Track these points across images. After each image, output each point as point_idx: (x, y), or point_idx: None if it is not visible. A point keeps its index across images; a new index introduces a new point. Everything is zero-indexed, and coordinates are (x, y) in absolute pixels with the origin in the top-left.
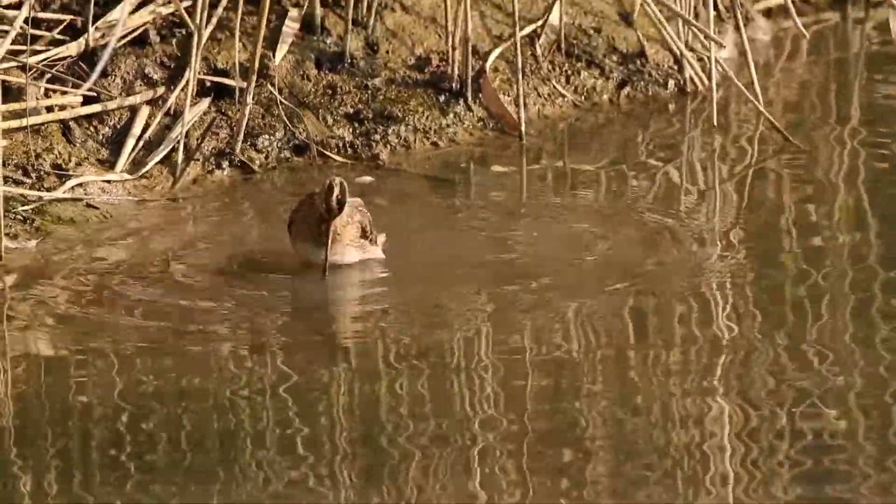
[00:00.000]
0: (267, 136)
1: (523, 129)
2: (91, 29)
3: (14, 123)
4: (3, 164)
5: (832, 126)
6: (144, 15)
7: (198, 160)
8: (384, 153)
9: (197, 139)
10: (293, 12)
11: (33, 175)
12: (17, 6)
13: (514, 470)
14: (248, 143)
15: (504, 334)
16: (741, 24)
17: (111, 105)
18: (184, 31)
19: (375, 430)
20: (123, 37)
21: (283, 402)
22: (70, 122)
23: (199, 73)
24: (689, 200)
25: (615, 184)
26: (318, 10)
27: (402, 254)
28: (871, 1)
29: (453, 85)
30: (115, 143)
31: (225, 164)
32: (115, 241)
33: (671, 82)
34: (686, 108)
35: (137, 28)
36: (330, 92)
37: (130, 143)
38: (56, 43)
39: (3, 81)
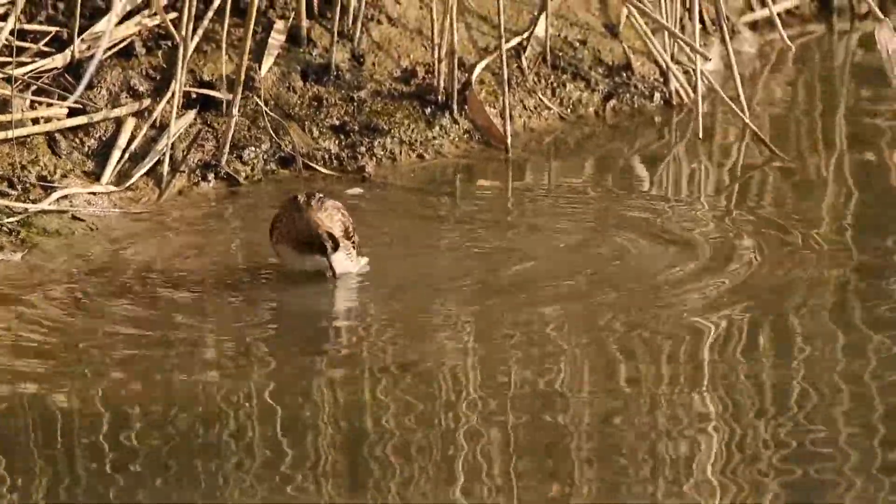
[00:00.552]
0: (253, 148)
1: (509, 141)
2: (77, 41)
3: None
4: None
5: (817, 138)
6: (130, 27)
7: (183, 172)
8: (370, 165)
9: (183, 151)
10: (279, 24)
11: (19, 187)
12: (3, 17)
13: (500, 477)
14: (234, 155)
15: (488, 348)
16: (727, 37)
17: (97, 117)
18: (170, 43)
19: (360, 440)
20: (109, 48)
21: (267, 412)
22: (56, 134)
23: (184, 85)
24: (675, 211)
25: (600, 196)
26: (304, 22)
27: (388, 266)
28: (857, 13)
29: (439, 97)
30: (101, 155)
31: (211, 176)
32: (100, 253)
33: (657, 95)
34: (672, 121)
35: (123, 40)
36: (316, 104)
37: (116, 155)
38: (42, 55)
39: None
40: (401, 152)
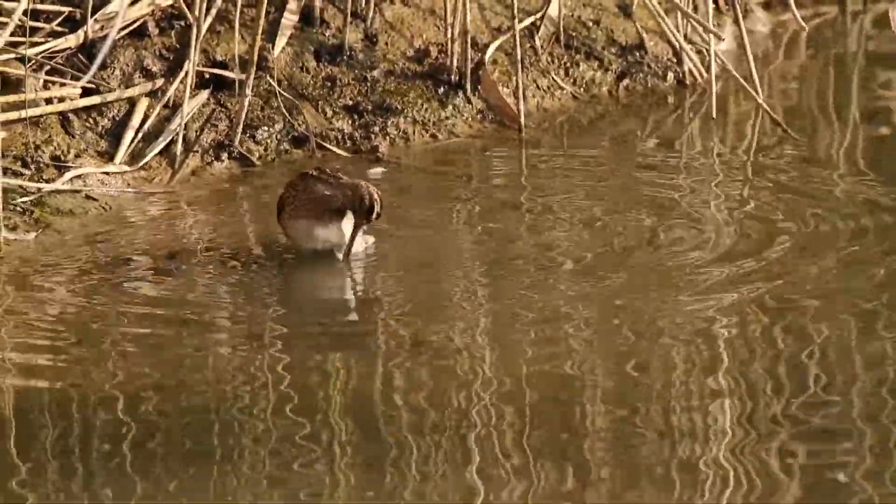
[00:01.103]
0: (266, 129)
1: (522, 121)
2: (90, 21)
3: (13, 115)
4: (2, 156)
5: (831, 118)
6: (143, 7)
7: (197, 152)
8: (383, 145)
9: (196, 131)
10: (292, 4)
11: (32, 167)
12: None
13: (516, 459)
14: (247, 135)
15: (502, 326)
16: (740, 17)
17: (110, 97)
18: (183, 23)
19: (374, 417)
20: (122, 29)
21: (281, 391)
22: (69, 114)
23: (197, 65)
24: (687, 193)
25: (615, 175)
26: (317, 2)
27: (402, 245)
28: None
29: (452, 77)
30: (114, 134)
31: (224, 156)
32: (113, 233)
33: (670, 75)
34: (685, 101)
35: (136, 20)
36: (329, 84)
37: (129, 134)
38: (55, 35)
39: (2, 73)
40: (414, 132)
